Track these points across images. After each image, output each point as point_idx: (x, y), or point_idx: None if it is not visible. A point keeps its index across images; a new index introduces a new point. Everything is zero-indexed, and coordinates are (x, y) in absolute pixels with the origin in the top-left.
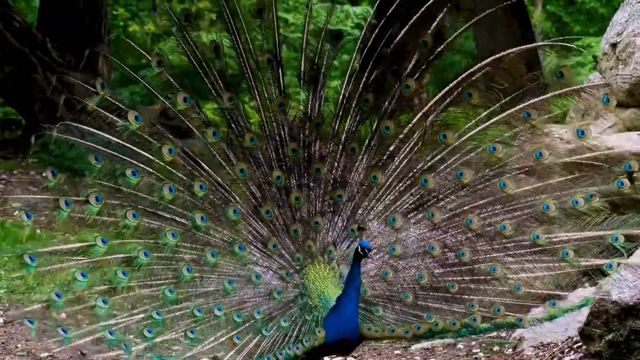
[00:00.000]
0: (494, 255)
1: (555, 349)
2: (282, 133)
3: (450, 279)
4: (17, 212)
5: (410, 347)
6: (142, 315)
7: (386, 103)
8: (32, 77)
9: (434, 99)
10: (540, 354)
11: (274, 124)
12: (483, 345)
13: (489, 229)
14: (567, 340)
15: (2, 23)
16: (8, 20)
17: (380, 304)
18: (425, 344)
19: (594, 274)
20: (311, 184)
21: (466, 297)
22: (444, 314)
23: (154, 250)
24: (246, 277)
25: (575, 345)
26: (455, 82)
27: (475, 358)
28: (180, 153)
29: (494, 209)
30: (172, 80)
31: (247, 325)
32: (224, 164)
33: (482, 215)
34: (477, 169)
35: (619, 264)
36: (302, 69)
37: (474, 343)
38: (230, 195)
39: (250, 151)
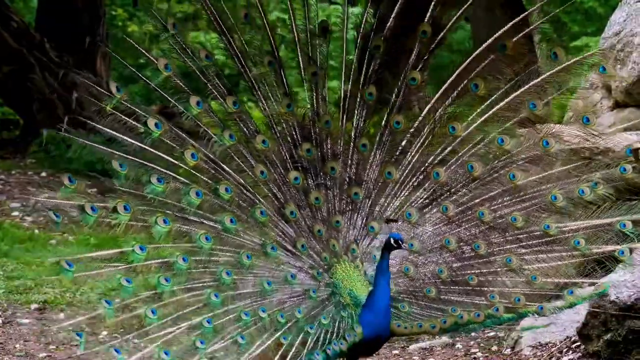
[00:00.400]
0: (508, 247)
1: (554, 348)
2: (294, 133)
3: (468, 272)
4: (23, 212)
5: (408, 347)
6: (190, 323)
7: (393, 97)
8: (30, 77)
9: (440, 91)
10: (539, 353)
11: (284, 125)
12: (481, 345)
13: (500, 221)
14: (565, 340)
15: (0, 23)
16: (6, 21)
17: (406, 300)
18: (423, 343)
19: (608, 262)
20: (328, 183)
21: (486, 289)
22: (467, 306)
23: (192, 254)
24: (282, 278)
25: (573, 345)
26: (460, 69)
27: (474, 358)
28: (202, 157)
29: (504, 200)
30: (181, 84)
31: (289, 324)
32: (243, 166)
33: (492, 208)
34: (486, 162)
35: (631, 250)
36: (302, 66)
37: (472, 343)
38: (255, 197)
39: (264, 153)
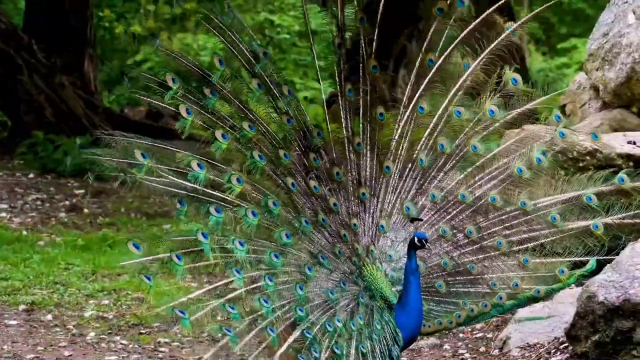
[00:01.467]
0: (495, 229)
1: (542, 349)
2: (299, 143)
3: (467, 259)
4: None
5: None
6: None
7: (369, 89)
8: (18, 78)
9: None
10: (527, 354)
11: (287, 135)
12: (469, 346)
13: (481, 202)
14: (553, 340)
15: None
16: None
17: (423, 297)
18: None
19: (586, 238)
20: (337, 188)
21: (487, 276)
22: (474, 297)
23: (275, 276)
24: (336, 285)
25: (561, 346)
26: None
27: (462, 359)
28: (247, 180)
29: (477, 180)
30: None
31: (360, 332)
32: (276, 177)
33: (470, 189)
34: (452, 138)
35: (605, 225)
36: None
37: (460, 344)
38: (295, 209)
39: (288, 167)
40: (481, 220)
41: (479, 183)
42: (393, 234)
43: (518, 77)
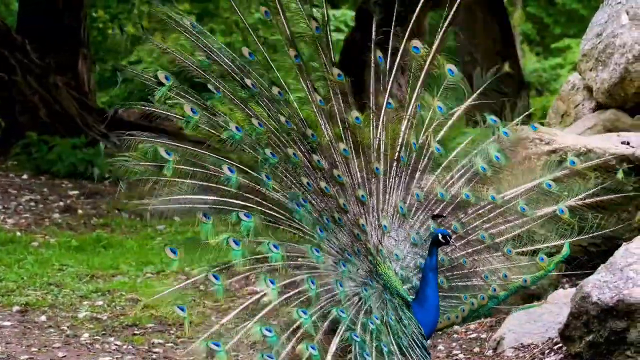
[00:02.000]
0: (475, 224)
1: (536, 350)
2: (301, 144)
3: (459, 254)
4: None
5: None
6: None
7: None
8: (11, 79)
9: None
10: (521, 355)
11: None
12: (463, 346)
13: (458, 200)
14: (547, 341)
15: None
16: None
17: None
18: None
19: (557, 223)
20: (339, 189)
21: (479, 269)
22: (472, 290)
23: (318, 278)
24: (365, 283)
25: (555, 347)
26: None
27: (456, 359)
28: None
29: (449, 178)
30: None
31: (398, 329)
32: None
33: (445, 188)
34: (418, 132)
35: (569, 209)
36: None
37: (454, 344)
38: (313, 207)
39: (299, 166)
40: (462, 216)
41: (451, 182)
42: (395, 233)
43: (454, 67)
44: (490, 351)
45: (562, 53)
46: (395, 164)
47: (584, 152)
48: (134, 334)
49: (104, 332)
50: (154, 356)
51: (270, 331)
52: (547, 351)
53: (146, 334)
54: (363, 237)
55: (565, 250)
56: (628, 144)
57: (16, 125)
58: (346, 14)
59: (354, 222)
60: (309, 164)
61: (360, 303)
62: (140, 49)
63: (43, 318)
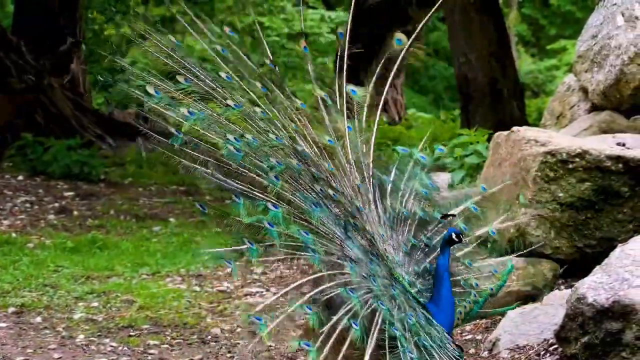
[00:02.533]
0: (437, 238)
1: (531, 351)
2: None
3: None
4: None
5: None
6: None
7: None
8: (7, 80)
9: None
10: (516, 356)
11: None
12: None
13: (416, 217)
14: (542, 342)
15: None
16: None
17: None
18: None
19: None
20: (342, 199)
21: (457, 278)
22: (459, 295)
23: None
24: (390, 283)
25: (551, 348)
26: None
27: None
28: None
29: (401, 195)
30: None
31: (427, 331)
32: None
33: (403, 205)
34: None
35: (498, 230)
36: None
37: None
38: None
39: (311, 172)
40: (425, 231)
41: (405, 199)
42: (390, 241)
43: (402, 36)
44: (486, 352)
45: (558, 54)
46: (367, 181)
47: (579, 153)
48: (130, 336)
49: (99, 333)
50: (149, 357)
51: (310, 309)
52: (542, 352)
53: (142, 336)
54: (375, 242)
55: (508, 267)
56: (624, 145)
57: (11, 126)
58: (340, 16)
59: (364, 228)
60: (312, 176)
61: (392, 301)
62: (135, 50)
63: (38, 319)
